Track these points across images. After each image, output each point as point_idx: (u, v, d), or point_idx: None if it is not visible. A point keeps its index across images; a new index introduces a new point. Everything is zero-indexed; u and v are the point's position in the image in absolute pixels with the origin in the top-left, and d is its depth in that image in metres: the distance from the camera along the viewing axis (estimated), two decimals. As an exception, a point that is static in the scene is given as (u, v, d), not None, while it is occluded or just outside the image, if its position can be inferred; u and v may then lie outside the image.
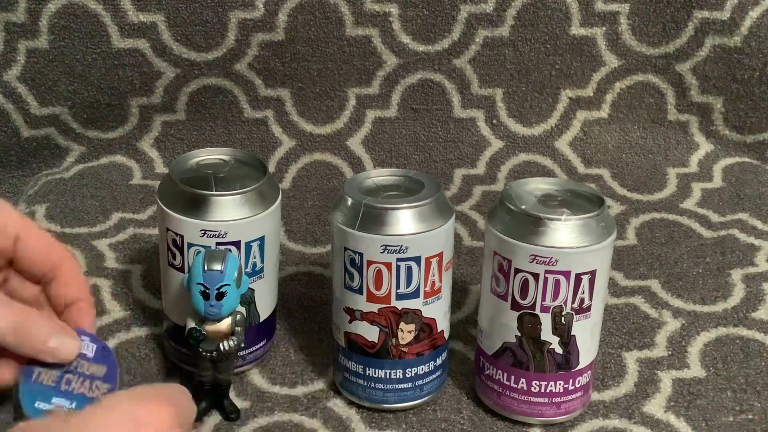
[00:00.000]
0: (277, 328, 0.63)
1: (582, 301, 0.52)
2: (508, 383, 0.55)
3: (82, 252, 0.72)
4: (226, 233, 0.54)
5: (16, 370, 0.49)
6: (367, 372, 0.55)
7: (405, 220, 0.51)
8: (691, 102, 0.88)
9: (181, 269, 0.56)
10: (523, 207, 0.51)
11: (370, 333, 0.54)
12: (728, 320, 0.66)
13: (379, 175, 0.56)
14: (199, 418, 0.55)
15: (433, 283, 0.53)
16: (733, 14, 0.84)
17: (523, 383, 0.54)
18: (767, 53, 0.85)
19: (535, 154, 0.88)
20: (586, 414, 0.57)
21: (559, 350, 0.53)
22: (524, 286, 0.51)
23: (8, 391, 0.49)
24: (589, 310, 0.52)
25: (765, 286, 0.69)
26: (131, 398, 0.38)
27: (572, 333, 0.52)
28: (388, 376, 0.55)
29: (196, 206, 0.54)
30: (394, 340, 0.54)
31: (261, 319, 0.59)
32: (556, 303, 0.51)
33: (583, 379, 0.55)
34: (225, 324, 0.53)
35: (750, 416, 0.56)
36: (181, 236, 0.55)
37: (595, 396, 0.58)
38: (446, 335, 0.56)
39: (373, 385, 0.56)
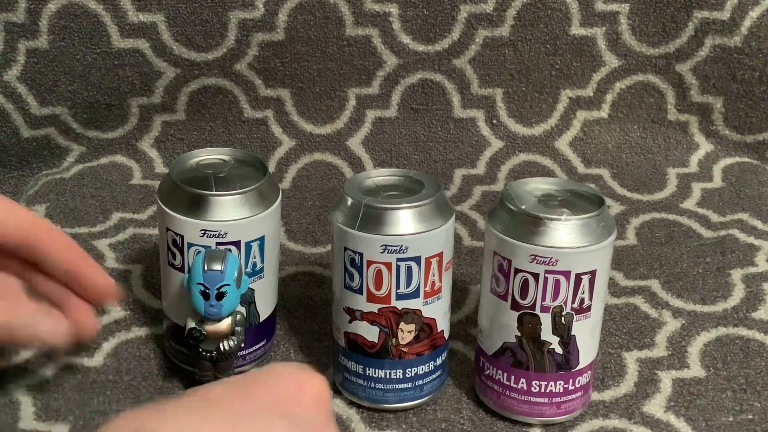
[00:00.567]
0: (277, 328, 0.63)
1: (582, 301, 0.52)
2: (508, 383, 0.55)
3: (82, 252, 0.72)
4: (226, 233, 0.54)
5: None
6: (367, 372, 0.55)
7: (405, 220, 0.51)
8: (691, 102, 0.88)
9: (181, 269, 0.56)
10: (523, 207, 0.51)
11: (370, 333, 0.54)
12: (728, 320, 0.65)
13: (379, 175, 0.56)
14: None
15: (433, 283, 0.53)
16: (733, 14, 0.84)
17: (523, 383, 0.54)
18: (767, 53, 0.85)
19: (535, 154, 0.88)
20: (586, 414, 0.57)
21: (559, 350, 0.53)
22: (524, 286, 0.51)
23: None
24: (589, 310, 0.52)
25: (765, 286, 0.69)
26: (290, 366, 0.41)
27: (572, 333, 0.52)
28: (388, 376, 0.55)
29: (196, 206, 0.54)
30: (394, 340, 0.54)
31: (261, 319, 0.59)
32: (556, 303, 0.51)
33: (583, 379, 0.55)
34: (225, 324, 0.53)
35: (750, 416, 0.56)
36: (181, 236, 0.55)
37: (595, 396, 0.58)
38: (446, 335, 0.56)
39: (373, 385, 0.56)
